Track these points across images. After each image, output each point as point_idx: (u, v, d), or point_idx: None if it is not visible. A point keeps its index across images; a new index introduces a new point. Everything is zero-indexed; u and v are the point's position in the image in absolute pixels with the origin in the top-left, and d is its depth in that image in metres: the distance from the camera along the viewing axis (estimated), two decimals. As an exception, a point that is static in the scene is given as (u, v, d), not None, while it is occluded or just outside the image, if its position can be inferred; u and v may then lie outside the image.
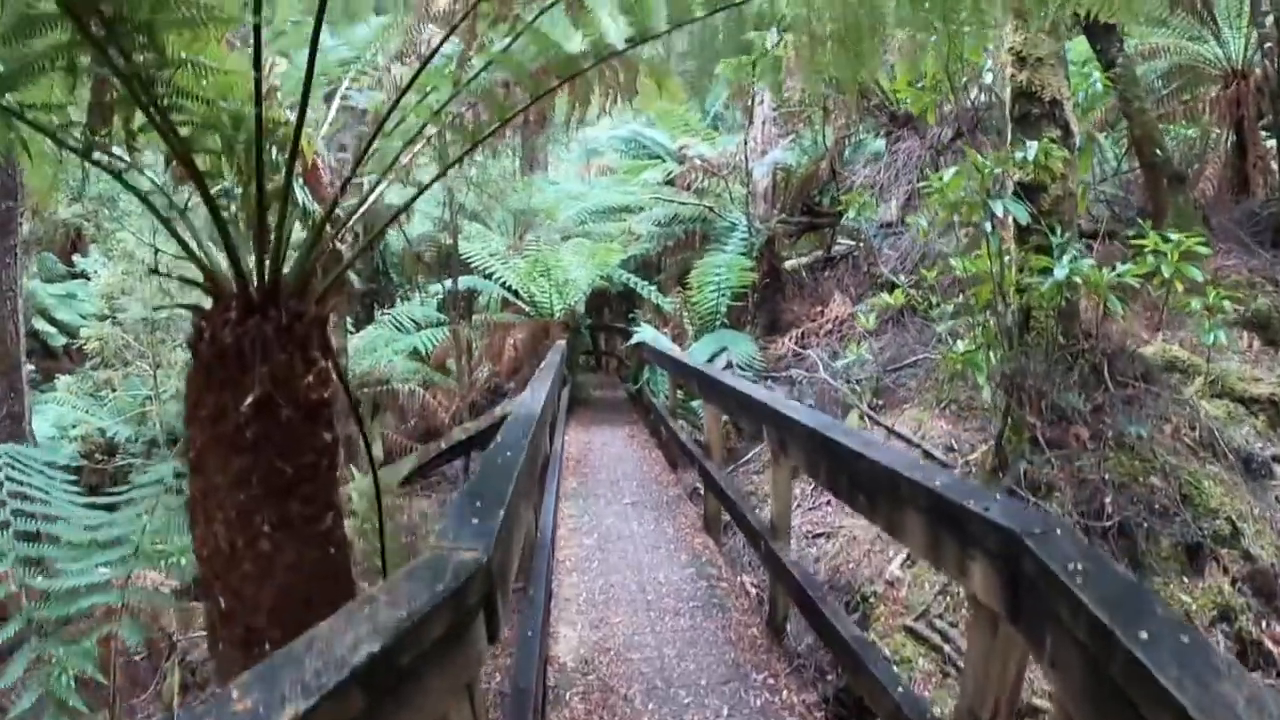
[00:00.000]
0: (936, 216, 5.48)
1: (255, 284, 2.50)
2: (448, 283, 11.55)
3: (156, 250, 17.19)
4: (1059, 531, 1.55)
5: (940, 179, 4.98)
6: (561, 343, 9.81)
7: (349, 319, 13.33)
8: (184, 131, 2.48)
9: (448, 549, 1.49)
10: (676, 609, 4.26)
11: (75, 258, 19.89)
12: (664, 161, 12.97)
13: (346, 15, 2.99)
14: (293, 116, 2.64)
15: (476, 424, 9.03)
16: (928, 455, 7.05)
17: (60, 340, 18.48)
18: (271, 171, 2.68)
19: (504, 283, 11.50)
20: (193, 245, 2.59)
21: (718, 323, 9.97)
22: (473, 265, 11.63)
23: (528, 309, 11.87)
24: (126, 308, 17.87)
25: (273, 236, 2.51)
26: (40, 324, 18.87)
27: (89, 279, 19.38)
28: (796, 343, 10.27)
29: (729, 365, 8.46)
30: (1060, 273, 4.56)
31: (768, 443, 3.66)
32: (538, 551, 3.87)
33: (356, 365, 11.47)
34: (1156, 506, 4.59)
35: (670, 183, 12.53)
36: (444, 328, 11.92)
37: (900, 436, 7.45)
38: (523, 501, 2.46)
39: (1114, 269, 4.69)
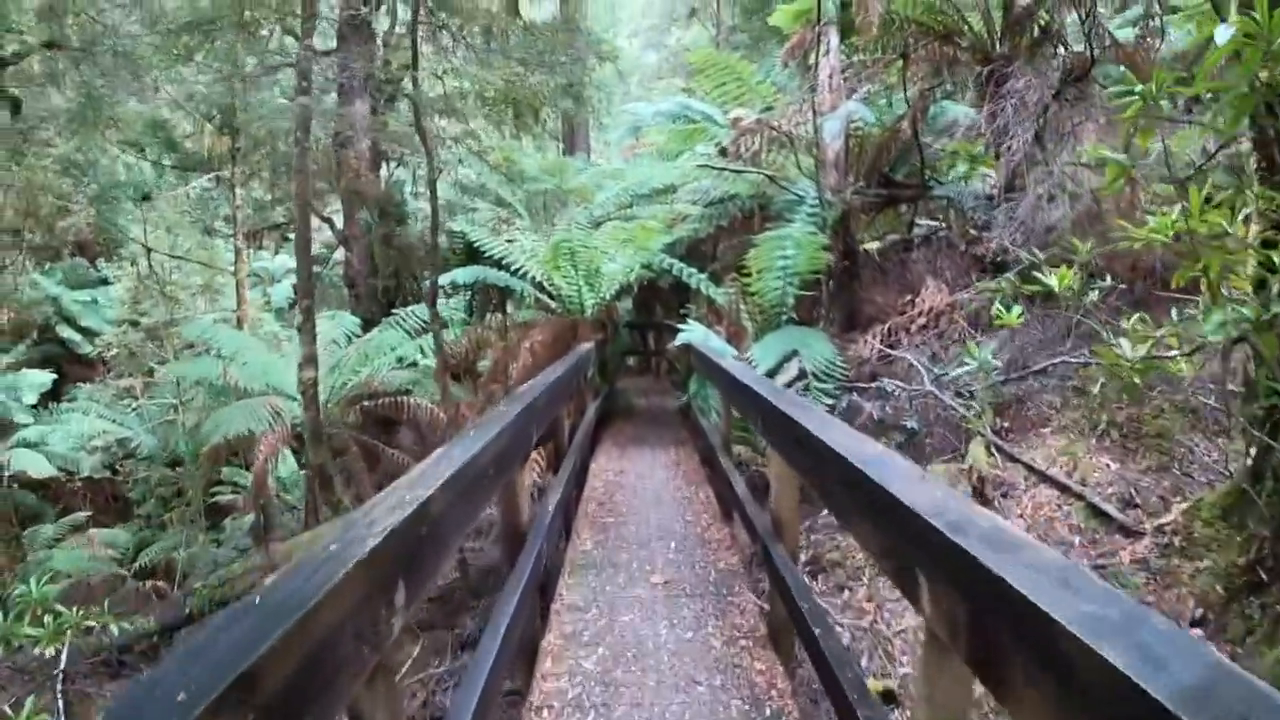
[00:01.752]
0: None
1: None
2: (458, 274, 9.72)
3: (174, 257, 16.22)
4: None
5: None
6: (588, 346, 7.90)
7: (354, 318, 11.71)
8: None
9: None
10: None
11: (99, 263, 19.07)
12: (715, 127, 10.91)
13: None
14: None
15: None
16: (1095, 512, 4.99)
17: (87, 348, 17.56)
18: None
19: (522, 273, 9.64)
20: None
21: (783, 317, 7.91)
22: (485, 254, 9.80)
23: (553, 305, 10.00)
24: (149, 313, 17.05)
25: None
26: (66, 331, 18.02)
27: (110, 284, 18.54)
28: (882, 341, 8.17)
29: (801, 375, 6.41)
30: None
31: (922, 605, 1.62)
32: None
33: (353, 374, 9.78)
34: None
35: (723, 152, 10.47)
36: (455, 329, 10.13)
37: (1048, 479, 5.37)
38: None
39: None
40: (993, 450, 5.90)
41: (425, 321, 11.26)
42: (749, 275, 7.92)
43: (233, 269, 14.56)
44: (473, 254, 11.14)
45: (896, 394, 6.36)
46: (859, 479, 1.94)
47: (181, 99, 9.96)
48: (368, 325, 11.84)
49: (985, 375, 5.64)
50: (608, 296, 10.12)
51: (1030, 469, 5.64)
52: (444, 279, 10.00)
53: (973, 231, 9.87)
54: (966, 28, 9.40)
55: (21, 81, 10.24)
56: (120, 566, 11.92)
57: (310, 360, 7.47)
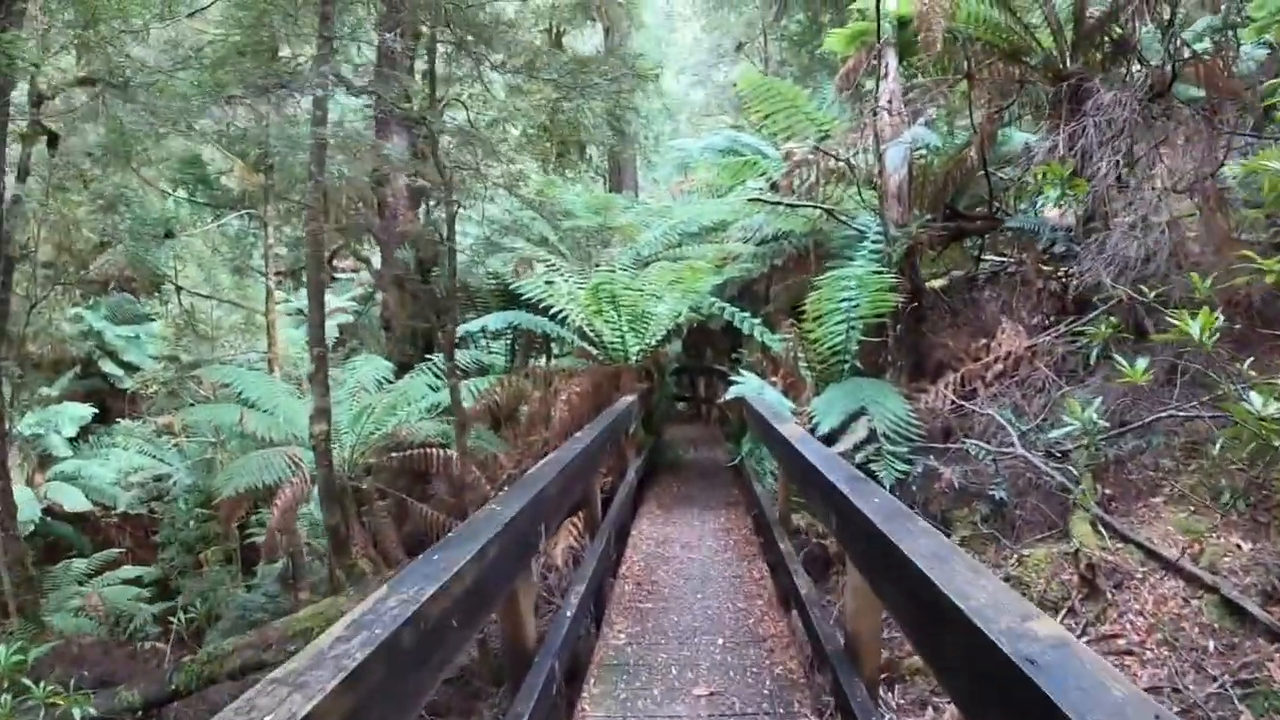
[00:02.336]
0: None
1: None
2: (489, 320, 9.12)
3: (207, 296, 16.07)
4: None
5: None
6: (630, 400, 7.19)
7: (388, 362, 11.20)
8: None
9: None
10: None
11: (143, 299, 19.11)
12: (766, 160, 10.22)
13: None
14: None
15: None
16: (1231, 608, 4.11)
17: (128, 383, 17.50)
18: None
19: (561, 317, 9.00)
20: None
21: (845, 366, 7.11)
22: (522, 296, 9.19)
23: (595, 352, 9.33)
24: (189, 350, 16.94)
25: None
26: (108, 366, 18.03)
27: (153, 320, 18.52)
28: (955, 391, 7.31)
29: (870, 437, 5.59)
30: None
31: None
32: None
33: (381, 423, 9.22)
34: None
35: (774, 186, 9.77)
36: (490, 377, 9.52)
37: (1170, 565, 4.49)
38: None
39: None
40: (1098, 526, 5.02)
41: (462, 367, 10.73)
42: (808, 320, 7.16)
43: (264, 310, 14.25)
44: (511, 296, 10.61)
45: (981, 456, 5.50)
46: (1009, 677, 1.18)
47: (213, 135, 9.66)
48: (404, 369, 11.35)
49: (1089, 437, 4.78)
50: (653, 342, 9.43)
51: (1148, 551, 4.76)
52: (475, 325, 9.44)
53: (1045, 267, 9.05)
54: (1035, 44, 8.63)
55: (59, 117, 10.10)
56: (150, 605, 11.61)
57: (323, 413, 6.89)
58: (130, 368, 17.56)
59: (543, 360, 13.87)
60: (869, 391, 5.94)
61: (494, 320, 9.31)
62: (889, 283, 6.52)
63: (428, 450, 8.95)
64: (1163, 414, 5.70)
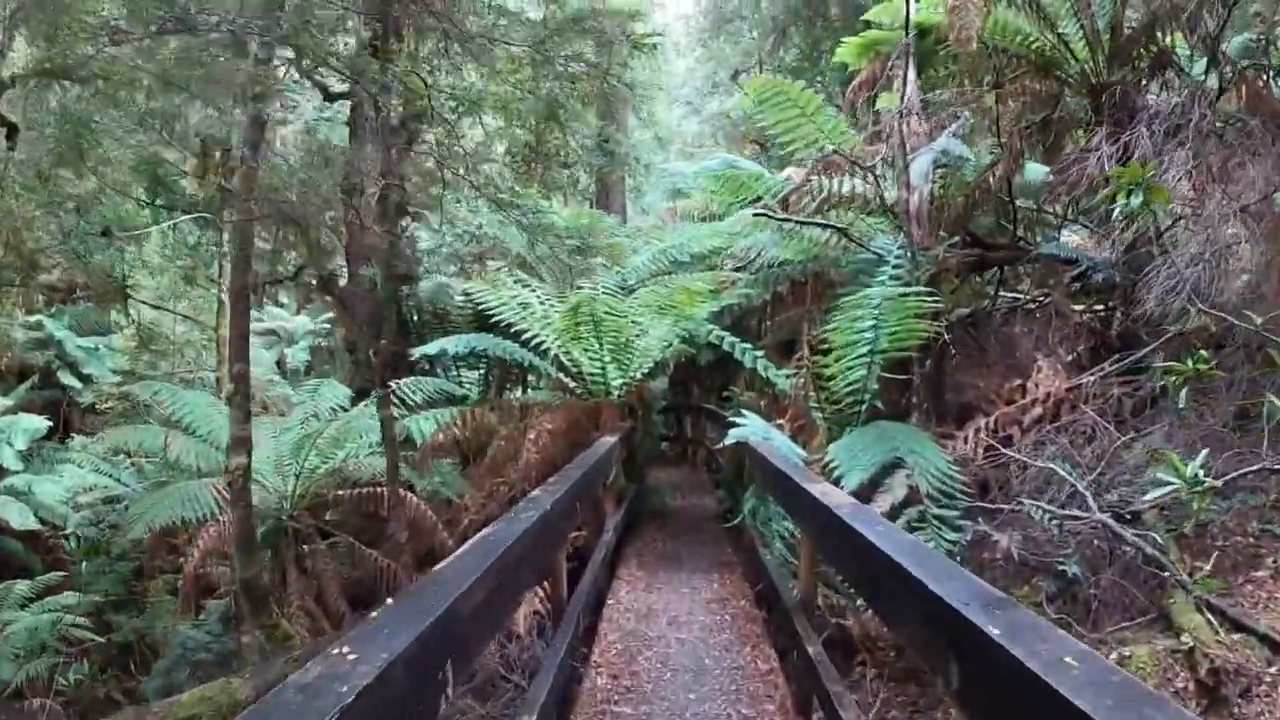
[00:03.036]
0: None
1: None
2: (447, 343, 8.02)
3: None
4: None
5: None
6: (610, 442, 6.09)
7: (345, 389, 10.08)
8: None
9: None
10: None
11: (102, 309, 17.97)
12: (770, 178, 9.24)
13: None
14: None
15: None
16: None
17: (88, 397, 16.28)
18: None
19: (535, 344, 7.93)
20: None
21: (862, 407, 6.06)
22: (491, 318, 8.11)
23: (572, 384, 8.24)
24: (156, 365, 15.73)
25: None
26: (67, 377, 16.83)
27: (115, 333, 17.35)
28: (989, 436, 6.29)
29: (910, 497, 4.52)
30: None
31: None
32: None
33: (327, 456, 8.07)
34: None
35: (785, 204, 8.75)
36: (452, 410, 8.37)
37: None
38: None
39: None
40: (1202, 609, 3.98)
41: (431, 394, 9.61)
42: (821, 353, 6.12)
43: (216, 325, 13.12)
44: (485, 320, 9.55)
45: (1046, 521, 4.44)
46: None
47: (170, 132, 8.64)
48: (366, 396, 10.24)
49: (1197, 499, 3.75)
50: (638, 375, 8.36)
51: (1274, 645, 3.72)
52: (433, 347, 8.34)
53: (1063, 297, 8.22)
54: (1069, 55, 7.83)
55: (17, 107, 9.05)
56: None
57: (241, 443, 5.78)
58: (90, 381, 16.38)
59: (519, 392, 12.79)
60: (902, 439, 4.86)
61: (454, 343, 8.22)
62: (922, 306, 5.48)
63: (377, 489, 7.80)
64: (1253, 468, 4.73)
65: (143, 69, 7.03)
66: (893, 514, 4.39)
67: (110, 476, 14.11)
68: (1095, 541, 4.64)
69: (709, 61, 24.72)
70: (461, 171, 7.17)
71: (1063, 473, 4.72)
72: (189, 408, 8.59)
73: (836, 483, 4.55)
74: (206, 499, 7.42)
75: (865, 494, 4.47)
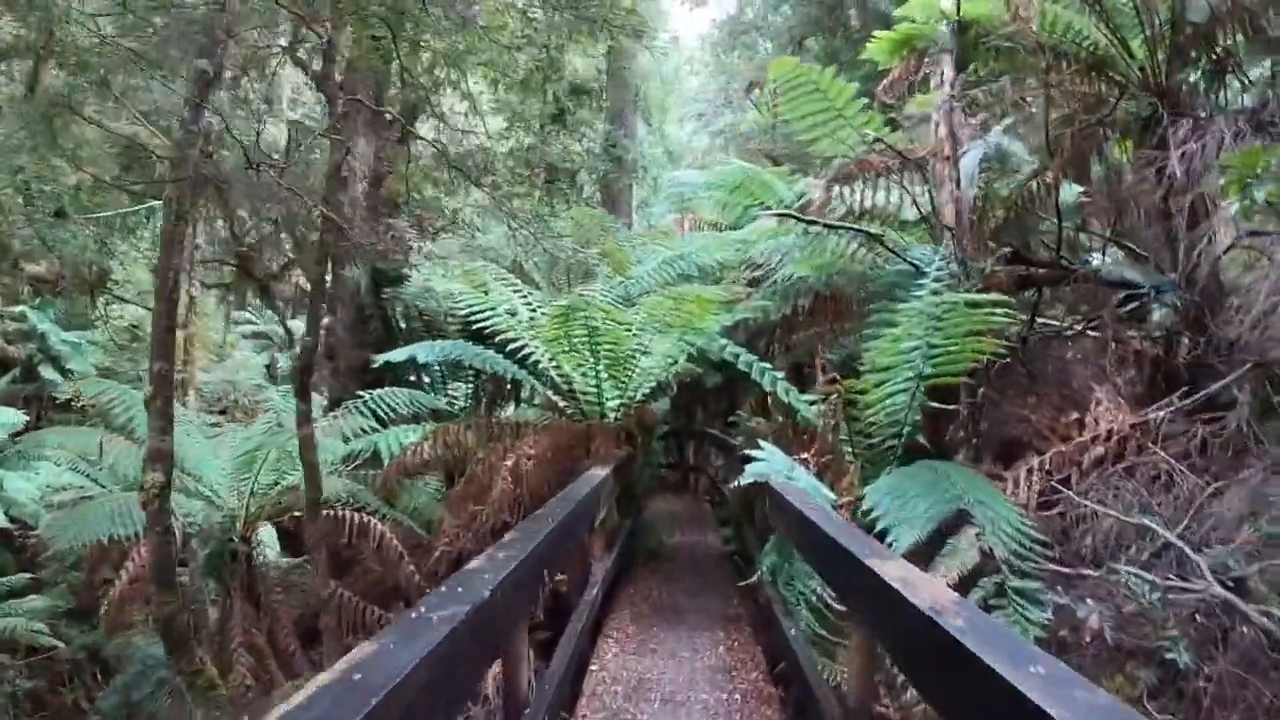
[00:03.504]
0: None
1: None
2: (416, 350, 7.12)
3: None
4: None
5: None
6: (602, 475, 5.15)
7: (319, 398, 9.20)
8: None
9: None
10: None
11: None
12: (781, 187, 8.38)
13: None
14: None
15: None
16: None
17: (66, 392, 15.53)
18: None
19: (523, 355, 7.00)
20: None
21: (899, 442, 5.13)
22: (475, 325, 7.20)
23: (562, 403, 7.31)
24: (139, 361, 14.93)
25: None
26: (48, 371, 16.06)
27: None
28: (1041, 479, 5.38)
29: (984, 564, 3.56)
30: None
31: None
32: None
33: (283, 474, 7.17)
34: None
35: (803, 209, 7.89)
36: (424, 427, 7.46)
37: None
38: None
39: None
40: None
41: (408, 407, 8.71)
42: (857, 377, 5.19)
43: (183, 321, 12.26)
44: (478, 329, 8.66)
45: (1142, 591, 3.51)
46: None
47: (143, 110, 7.86)
48: (339, 407, 9.35)
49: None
50: (638, 396, 7.44)
51: None
52: (400, 354, 7.44)
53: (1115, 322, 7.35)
54: (1126, 54, 6.99)
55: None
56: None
57: (160, 457, 4.83)
58: (71, 376, 15.59)
59: (512, 408, 11.89)
60: (962, 485, 3.88)
61: (425, 351, 7.31)
62: (990, 320, 4.56)
63: (338, 512, 6.88)
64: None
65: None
66: (963, 586, 3.45)
67: (87, 476, 13.37)
68: (1197, 617, 3.71)
69: (721, 75, 23.97)
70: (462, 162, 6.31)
71: (1159, 529, 3.78)
72: (135, 410, 7.70)
73: (881, 537, 3.61)
74: (140, 516, 6.52)
75: (921, 554, 3.53)
